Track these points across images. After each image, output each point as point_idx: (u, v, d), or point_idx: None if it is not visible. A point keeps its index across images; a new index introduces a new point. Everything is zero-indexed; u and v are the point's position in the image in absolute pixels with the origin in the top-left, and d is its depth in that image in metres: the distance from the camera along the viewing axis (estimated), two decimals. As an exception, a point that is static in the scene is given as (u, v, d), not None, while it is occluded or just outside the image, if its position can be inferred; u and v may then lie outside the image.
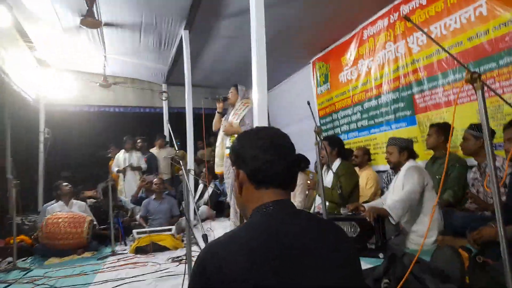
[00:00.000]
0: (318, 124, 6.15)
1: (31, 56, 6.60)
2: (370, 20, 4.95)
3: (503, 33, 3.26)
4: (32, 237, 4.47)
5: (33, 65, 6.84)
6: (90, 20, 4.40)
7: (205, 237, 1.87)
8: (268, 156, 1.01)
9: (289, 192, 1.08)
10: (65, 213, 4.46)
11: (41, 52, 6.55)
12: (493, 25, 3.34)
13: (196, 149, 7.04)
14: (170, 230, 4.42)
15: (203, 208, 5.32)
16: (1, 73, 4.95)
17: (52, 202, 4.96)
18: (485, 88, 1.54)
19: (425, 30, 4.01)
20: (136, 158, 6.76)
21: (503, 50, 3.27)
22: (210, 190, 5.90)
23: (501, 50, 3.29)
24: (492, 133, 2.87)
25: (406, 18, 1.74)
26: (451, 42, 3.77)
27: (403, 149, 3.01)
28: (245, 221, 1.08)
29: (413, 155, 3.05)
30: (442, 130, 3.44)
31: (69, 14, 4.88)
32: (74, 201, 4.92)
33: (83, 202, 5.04)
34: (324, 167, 3.68)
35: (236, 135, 4.17)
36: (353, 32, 5.32)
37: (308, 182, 3.85)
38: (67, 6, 4.69)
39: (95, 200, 5.54)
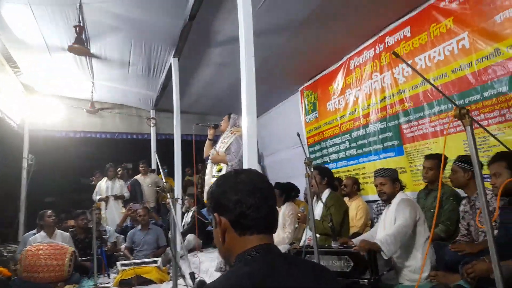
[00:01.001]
0: (308, 154, 6.15)
1: (17, 81, 6.53)
2: (357, 50, 5.05)
3: (485, 65, 3.35)
4: (11, 268, 4.27)
5: (19, 90, 6.76)
6: (78, 47, 4.39)
7: (192, 275, 1.80)
8: (251, 200, 0.98)
9: (272, 236, 1.04)
10: (46, 243, 4.29)
11: (27, 77, 6.50)
12: (476, 58, 3.43)
13: (184, 176, 6.96)
14: (155, 262, 4.27)
15: (190, 237, 5.18)
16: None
17: (34, 231, 4.78)
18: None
19: (410, 61, 4.10)
20: (119, 186, 6.66)
21: (487, 83, 3.34)
22: (190, 214, 5.80)
23: (484, 82, 3.36)
24: (480, 166, 2.89)
25: (395, 54, 1.76)
26: (436, 73, 3.85)
27: (396, 180, 2.97)
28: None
29: (403, 187, 3.04)
30: (440, 163, 3.36)
31: (57, 40, 4.88)
32: (59, 231, 4.76)
33: (67, 234, 4.87)
34: (314, 198, 3.64)
35: (222, 164, 4.14)
36: (340, 62, 5.42)
37: (299, 215, 3.78)
38: (55, 32, 4.69)
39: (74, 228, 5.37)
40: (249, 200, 0.98)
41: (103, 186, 6.66)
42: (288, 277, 0.93)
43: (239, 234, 0.98)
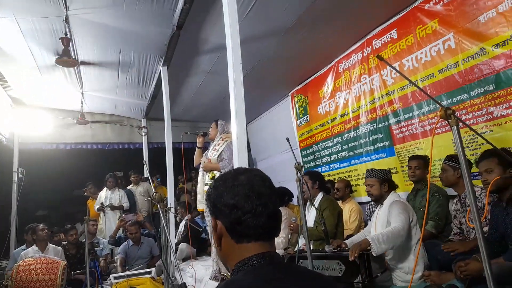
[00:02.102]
0: (299, 157, 6.16)
1: (5, 95, 6.46)
2: (345, 53, 5.09)
3: (472, 65, 3.38)
4: (2, 285, 4.19)
5: (7, 104, 6.69)
6: (66, 59, 4.36)
7: (183, 286, 1.78)
8: (248, 205, 0.91)
9: (274, 241, 0.98)
10: (38, 258, 4.22)
11: (16, 91, 6.43)
12: (462, 57, 3.46)
13: (176, 184, 6.93)
14: (149, 272, 4.23)
15: (182, 246, 5.14)
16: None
17: (23, 246, 4.71)
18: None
19: (397, 63, 4.14)
20: (119, 196, 6.58)
21: (473, 82, 3.38)
22: (183, 223, 5.76)
23: (471, 82, 3.40)
24: (469, 164, 2.92)
25: (379, 57, 1.78)
26: (423, 74, 3.89)
27: (384, 181, 2.98)
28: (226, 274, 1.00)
29: (393, 186, 3.04)
30: (426, 162, 3.46)
31: (45, 53, 4.84)
32: (51, 245, 4.70)
33: (59, 248, 4.81)
34: (307, 203, 3.63)
35: (214, 172, 4.13)
36: (329, 65, 5.45)
37: (291, 225, 3.77)
38: (42, 45, 4.65)
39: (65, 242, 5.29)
40: (246, 205, 0.91)
41: (103, 196, 6.60)
42: (290, 286, 0.87)
43: (236, 241, 0.93)
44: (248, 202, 0.91)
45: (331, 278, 1.05)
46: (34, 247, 4.56)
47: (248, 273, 0.88)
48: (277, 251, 4.13)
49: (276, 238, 3.59)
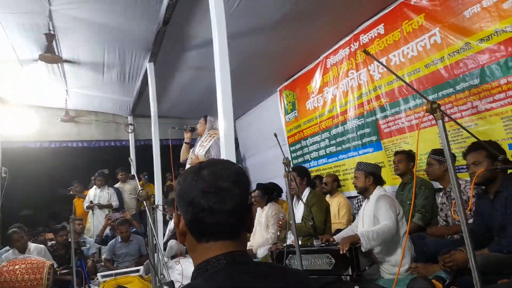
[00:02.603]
0: (288, 153, 6.16)
1: (-13, 93, 6.31)
2: (332, 49, 5.10)
3: (457, 59, 3.42)
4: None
5: (-11, 102, 6.53)
6: (49, 55, 4.27)
7: (171, 284, 1.76)
8: (204, 202, 0.84)
9: (242, 238, 0.90)
10: (22, 258, 4.14)
11: (-2, 88, 6.28)
12: (448, 52, 3.50)
13: (164, 181, 6.86)
14: (138, 271, 4.19)
15: (172, 243, 5.10)
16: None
17: (7, 247, 4.62)
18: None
19: (384, 58, 4.16)
20: (107, 195, 6.49)
21: (459, 76, 3.42)
22: (172, 220, 5.71)
23: (456, 76, 3.44)
24: (453, 157, 2.95)
25: (366, 52, 1.78)
26: (410, 69, 3.92)
27: (369, 174, 3.00)
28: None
29: (380, 181, 3.06)
30: (410, 156, 3.53)
31: (27, 49, 4.73)
32: (33, 245, 4.60)
33: (42, 246, 4.72)
34: (295, 198, 3.64)
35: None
36: (317, 61, 5.45)
37: (280, 223, 3.77)
38: (25, 41, 4.54)
39: (53, 242, 5.21)
40: (201, 202, 0.84)
41: (92, 194, 6.51)
42: None
43: (196, 239, 0.87)
44: (204, 198, 0.84)
45: (310, 279, 0.97)
46: (15, 250, 4.48)
47: (208, 279, 0.81)
48: (267, 246, 4.13)
49: (265, 234, 3.60)
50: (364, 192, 3.03)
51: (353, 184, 3.18)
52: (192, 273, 0.86)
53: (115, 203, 6.48)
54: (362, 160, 4.51)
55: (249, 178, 0.98)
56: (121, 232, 4.87)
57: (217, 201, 0.85)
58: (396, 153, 3.76)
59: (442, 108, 1.60)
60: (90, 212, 6.38)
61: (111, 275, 4.12)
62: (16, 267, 3.92)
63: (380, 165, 4.30)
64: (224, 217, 0.85)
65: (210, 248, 0.85)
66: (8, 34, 4.37)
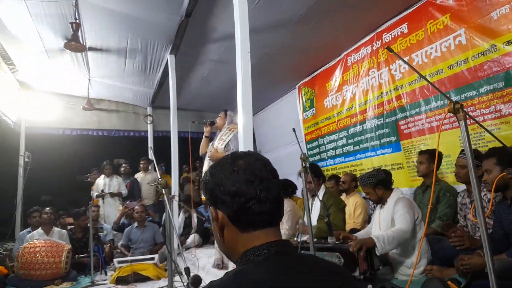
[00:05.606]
0: (304, 150, 6.15)
1: (13, 79, 6.49)
2: (354, 47, 5.05)
3: (481, 62, 3.36)
4: (8, 266, 4.27)
5: (15, 88, 6.72)
6: (74, 44, 4.36)
7: (187, 270, 1.80)
8: (251, 191, 0.84)
9: (279, 228, 0.92)
10: (43, 241, 4.28)
11: (24, 75, 6.45)
12: (472, 54, 3.43)
13: (181, 173, 6.95)
14: (152, 259, 4.28)
15: (196, 236, 5.22)
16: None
17: (29, 229, 4.77)
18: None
19: (407, 58, 4.10)
20: (117, 183, 6.62)
21: (483, 79, 3.35)
22: (194, 216, 5.77)
23: (480, 79, 3.37)
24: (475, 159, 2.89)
25: (389, 49, 1.76)
26: (432, 69, 3.86)
27: (377, 185, 2.91)
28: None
29: (389, 184, 2.98)
30: (433, 157, 3.41)
31: (53, 37, 4.85)
32: (56, 229, 4.76)
33: (64, 231, 4.88)
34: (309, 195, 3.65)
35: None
36: (338, 58, 5.41)
37: (297, 227, 3.78)
38: (51, 29, 4.66)
39: (72, 226, 5.35)
40: (249, 191, 0.85)
41: (101, 183, 6.65)
42: (306, 280, 0.80)
43: (241, 230, 0.86)
44: (251, 187, 0.85)
45: (350, 274, 0.96)
46: (39, 230, 4.63)
47: (259, 264, 0.81)
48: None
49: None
50: (381, 201, 2.96)
51: (367, 198, 3.12)
52: (240, 259, 0.86)
53: (124, 191, 6.62)
54: (380, 161, 4.50)
55: None
56: (137, 212, 4.95)
57: (263, 189, 0.86)
58: (420, 153, 3.58)
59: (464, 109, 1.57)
60: (100, 200, 6.51)
61: (127, 261, 4.21)
62: (37, 249, 4.06)
63: (398, 166, 4.29)
64: (269, 205, 0.86)
65: (256, 236, 0.86)
66: (35, 22, 4.49)
